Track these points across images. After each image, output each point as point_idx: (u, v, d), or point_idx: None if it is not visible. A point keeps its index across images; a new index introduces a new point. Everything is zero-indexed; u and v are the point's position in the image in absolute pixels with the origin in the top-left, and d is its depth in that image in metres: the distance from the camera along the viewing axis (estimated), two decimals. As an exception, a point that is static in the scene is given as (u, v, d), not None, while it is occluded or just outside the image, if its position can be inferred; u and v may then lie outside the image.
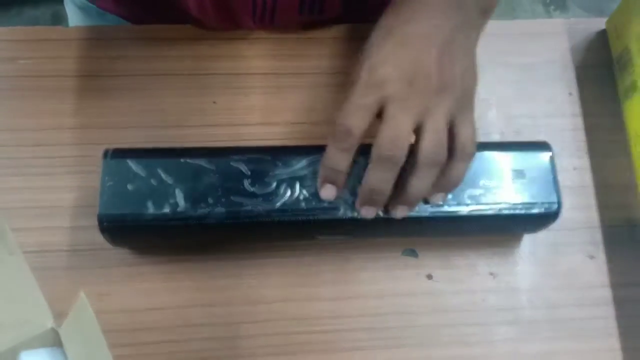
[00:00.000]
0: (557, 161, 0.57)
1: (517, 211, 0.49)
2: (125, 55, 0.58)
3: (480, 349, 0.52)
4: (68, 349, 0.42)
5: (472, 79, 0.47)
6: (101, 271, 0.52)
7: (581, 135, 0.59)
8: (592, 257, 0.56)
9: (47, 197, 0.54)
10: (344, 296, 0.53)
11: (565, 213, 0.54)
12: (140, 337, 0.51)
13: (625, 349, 0.53)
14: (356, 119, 0.43)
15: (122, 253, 0.53)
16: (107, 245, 0.52)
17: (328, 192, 0.47)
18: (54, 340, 0.44)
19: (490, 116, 0.59)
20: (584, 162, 0.58)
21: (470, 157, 0.46)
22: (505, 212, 0.49)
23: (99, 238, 0.51)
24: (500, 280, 0.54)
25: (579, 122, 0.60)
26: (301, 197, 0.48)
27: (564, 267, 0.55)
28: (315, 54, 0.59)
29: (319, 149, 0.48)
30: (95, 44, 0.59)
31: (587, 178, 0.58)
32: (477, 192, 0.49)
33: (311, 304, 0.53)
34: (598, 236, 0.56)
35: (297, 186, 0.48)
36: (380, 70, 0.43)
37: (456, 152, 0.45)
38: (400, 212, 0.47)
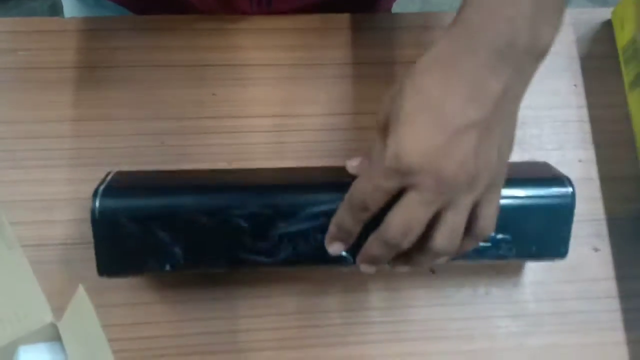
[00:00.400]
0: (561, 153, 0.56)
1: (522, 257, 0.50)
2: (124, 47, 0.57)
3: (483, 343, 0.52)
4: (67, 344, 0.42)
5: (509, 149, 0.41)
6: (100, 265, 0.52)
7: (586, 127, 0.58)
8: (597, 250, 0.55)
9: (45, 190, 0.53)
10: (343, 289, 0.53)
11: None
12: (140, 332, 0.51)
13: (631, 342, 0.53)
14: (375, 199, 0.39)
15: (121, 246, 0.52)
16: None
17: (336, 249, 0.44)
18: (53, 335, 0.44)
19: (494, 108, 0.58)
20: (589, 154, 0.58)
21: (484, 238, 0.42)
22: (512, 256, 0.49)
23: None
24: (504, 274, 0.54)
25: (584, 113, 0.59)
26: (304, 251, 0.47)
27: (569, 260, 0.53)
28: (317, 44, 0.59)
29: (325, 193, 0.46)
30: (94, 35, 0.58)
31: (592, 170, 0.57)
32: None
33: (309, 297, 0.52)
34: (603, 229, 0.56)
35: (300, 241, 0.47)
36: (407, 158, 0.37)
37: (472, 232, 0.41)
38: (401, 269, 0.45)
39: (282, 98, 0.57)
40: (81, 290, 0.40)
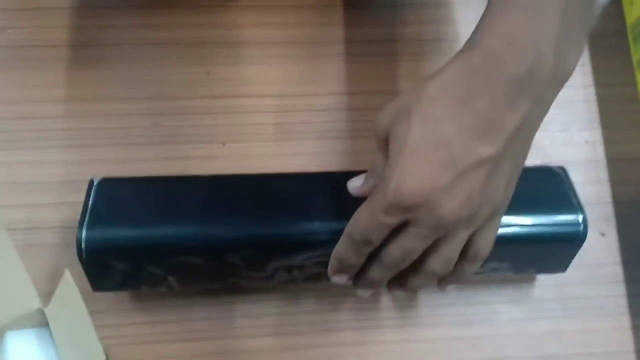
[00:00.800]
0: (567, 134, 0.55)
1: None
2: (117, 24, 0.56)
3: (483, 329, 0.51)
4: (54, 330, 0.41)
5: (517, 176, 0.39)
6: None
7: (593, 107, 0.57)
8: (603, 234, 0.53)
9: (35, 172, 0.52)
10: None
11: (576, 188, 0.52)
12: (131, 317, 0.49)
13: (636, 327, 0.51)
14: (377, 234, 0.38)
15: (113, 230, 0.51)
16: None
17: (340, 280, 0.43)
18: (42, 321, 0.43)
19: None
20: (596, 135, 0.56)
21: (480, 262, 0.41)
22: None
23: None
24: (507, 258, 0.52)
25: (591, 93, 0.57)
26: (300, 278, 0.47)
27: (574, 244, 0.53)
28: (313, 21, 0.57)
29: (322, 225, 0.44)
30: (86, 13, 0.57)
31: (599, 152, 0.55)
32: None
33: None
34: (610, 212, 0.54)
35: (295, 272, 0.46)
36: (409, 196, 0.35)
37: (467, 257, 0.40)
38: (396, 293, 0.45)
39: (278, 77, 0.55)
40: (67, 275, 0.39)
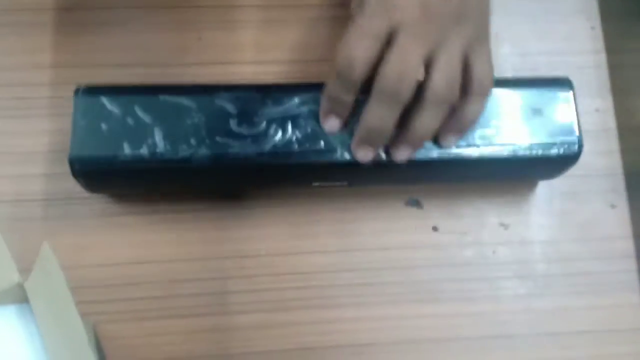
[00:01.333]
0: (578, 102, 0.52)
1: (533, 152, 0.45)
2: (103, -13, 0.54)
3: (487, 304, 0.49)
4: (34, 306, 0.39)
5: (488, 5, 0.41)
6: (79, 222, 0.49)
7: (604, 74, 0.54)
8: (613, 206, 0.51)
9: (20, 142, 0.50)
10: (340, 249, 0.49)
11: (584, 158, 0.49)
12: (121, 293, 0.47)
13: (647, 304, 0.49)
14: (362, 49, 0.37)
15: (101, 203, 0.49)
16: (85, 193, 0.48)
17: (332, 124, 0.42)
18: (22, 296, 0.41)
19: (503, 53, 0.54)
20: (607, 102, 0.53)
21: (487, 94, 0.41)
22: (520, 153, 0.44)
23: (76, 186, 0.47)
24: (512, 232, 0.50)
25: (602, 59, 0.55)
26: (294, 139, 0.43)
27: (583, 217, 0.51)
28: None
29: (315, 87, 0.43)
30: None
31: (610, 120, 0.53)
32: (488, 132, 0.44)
33: (305, 257, 0.49)
34: (620, 183, 0.52)
35: (290, 126, 0.44)
36: None
37: (472, 89, 0.40)
38: (402, 154, 0.42)
39: (275, 43, 0.53)
40: (46, 247, 0.37)
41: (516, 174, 0.49)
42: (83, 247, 0.48)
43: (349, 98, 0.40)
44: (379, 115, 0.39)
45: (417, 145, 0.42)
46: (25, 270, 0.40)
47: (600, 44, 0.55)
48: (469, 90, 0.40)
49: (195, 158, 0.43)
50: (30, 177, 0.49)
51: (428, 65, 0.38)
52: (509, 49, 0.54)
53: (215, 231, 0.49)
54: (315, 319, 0.48)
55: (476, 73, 0.40)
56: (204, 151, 0.43)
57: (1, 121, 0.50)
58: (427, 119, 0.40)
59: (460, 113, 0.41)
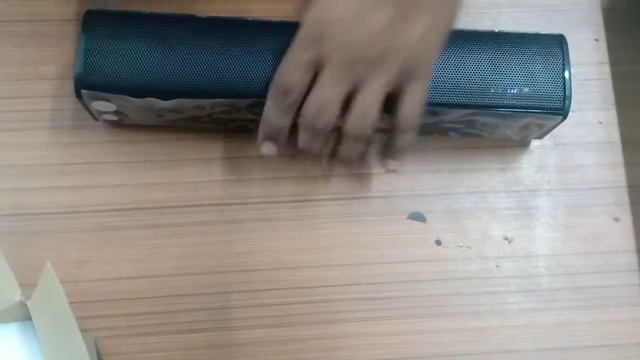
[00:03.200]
0: (580, 115, 0.52)
1: (519, 102, 0.45)
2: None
3: (492, 319, 0.48)
4: (37, 324, 0.38)
5: (437, 39, 0.40)
6: (80, 236, 0.48)
7: (608, 86, 0.54)
8: (617, 220, 0.51)
9: (19, 155, 0.49)
10: (344, 263, 0.49)
11: (589, 171, 0.50)
12: (122, 308, 0.47)
13: (652, 319, 0.49)
14: (294, 77, 0.39)
15: (101, 216, 0.49)
16: (86, 207, 0.48)
17: (269, 150, 0.43)
18: (24, 314, 0.40)
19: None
20: (611, 115, 0.53)
21: (411, 130, 0.41)
22: (506, 102, 0.45)
23: (76, 200, 0.47)
24: (516, 246, 0.50)
25: (606, 70, 0.54)
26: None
27: (586, 230, 0.50)
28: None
29: None
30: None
31: (614, 133, 0.53)
32: (477, 85, 0.45)
33: (309, 271, 0.49)
34: (624, 196, 0.51)
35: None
36: (320, 23, 0.38)
37: (397, 125, 0.41)
38: (339, 171, 0.46)
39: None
40: (48, 267, 0.36)
41: (504, 127, 0.49)
42: (83, 261, 0.48)
43: (284, 123, 0.41)
44: (306, 140, 0.41)
45: (349, 166, 0.45)
46: (24, 285, 0.40)
47: (604, 55, 0.54)
48: (394, 124, 0.41)
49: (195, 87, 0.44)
50: (28, 190, 0.49)
51: (350, 99, 0.39)
52: (513, 60, 0.54)
53: (217, 245, 0.49)
54: (319, 334, 0.48)
55: (401, 110, 0.40)
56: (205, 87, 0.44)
57: (2, 134, 0.50)
58: (347, 149, 0.42)
59: (390, 142, 0.42)
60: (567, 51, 0.46)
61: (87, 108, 0.46)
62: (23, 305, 0.39)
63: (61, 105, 0.51)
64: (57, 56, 0.52)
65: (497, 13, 0.55)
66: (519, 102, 0.45)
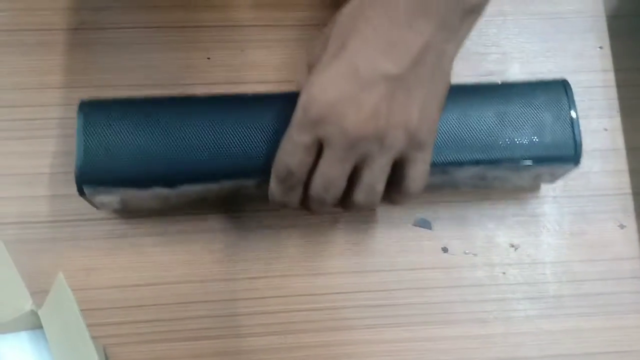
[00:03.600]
0: (585, 122, 0.52)
1: (531, 153, 0.45)
2: (109, 6, 0.53)
3: (499, 326, 0.48)
4: (48, 333, 0.39)
5: (434, 106, 0.39)
6: (87, 243, 0.48)
7: (612, 93, 0.54)
8: (622, 227, 0.51)
9: (26, 163, 0.50)
10: (350, 270, 0.49)
11: (594, 178, 0.50)
12: (131, 316, 0.47)
13: (658, 326, 0.49)
14: (295, 160, 0.39)
15: (109, 224, 0.49)
16: (94, 215, 0.48)
17: None
18: (35, 323, 0.40)
19: (513, 72, 0.54)
20: (615, 122, 0.53)
21: (414, 197, 0.41)
22: (518, 154, 0.45)
23: (84, 208, 0.47)
24: (522, 253, 0.50)
25: (610, 78, 0.54)
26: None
27: (592, 237, 0.51)
28: (320, 3, 0.54)
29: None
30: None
31: (619, 140, 0.53)
32: (488, 138, 0.44)
33: (315, 278, 0.49)
34: (629, 203, 0.52)
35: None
36: (315, 106, 0.37)
37: (400, 191, 0.41)
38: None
39: (283, 62, 0.53)
40: (60, 277, 0.36)
41: (516, 178, 0.48)
42: (91, 268, 0.48)
43: (293, 199, 0.41)
44: (312, 206, 0.42)
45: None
46: (33, 293, 0.40)
47: (608, 63, 0.55)
48: (399, 190, 0.41)
49: (201, 172, 0.43)
50: (37, 198, 0.49)
51: (353, 175, 0.39)
52: (518, 68, 0.54)
53: (224, 252, 0.49)
54: (325, 341, 0.48)
55: (405, 180, 0.40)
56: (211, 165, 0.43)
57: (8, 142, 0.50)
58: (354, 210, 0.42)
59: (394, 202, 0.43)
60: (572, 96, 0.45)
61: (90, 201, 0.45)
62: (34, 314, 0.39)
63: (67, 114, 0.51)
64: (62, 65, 0.52)
65: (502, 21, 0.55)
66: (529, 154, 0.44)
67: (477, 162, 0.44)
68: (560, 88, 0.45)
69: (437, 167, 0.43)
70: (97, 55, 0.52)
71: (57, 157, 0.50)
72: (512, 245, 0.50)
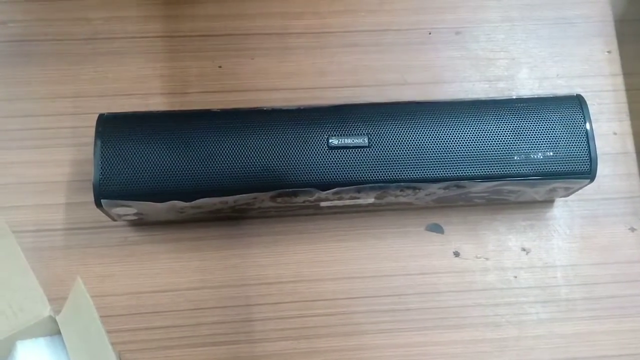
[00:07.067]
0: (595, 126, 0.52)
1: (545, 170, 0.45)
2: (121, 17, 0.54)
3: (511, 330, 0.48)
4: (67, 339, 0.39)
5: None
6: (103, 251, 0.49)
7: (621, 97, 0.54)
8: (633, 230, 0.51)
9: (41, 172, 0.50)
10: (362, 275, 0.49)
11: (604, 182, 0.50)
12: (146, 322, 0.47)
13: (670, 328, 0.49)
14: None
15: (124, 231, 0.49)
16: (109, 222, 0.48)
17: None
18: (53, 329, 0.41)
19: (522, 77, 0.54)
20: (625, 126, 0.53)
21: None
22: (533, 171, 0.45)
23: (99, 215, 0.47)
24: (533, 256, 0.50)
25: (619, 82, 0.55)
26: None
27: (603, 240, 0.51)
28: (326, 11, 0.54)
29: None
30: (88, 5, 0.54)
31: (629, 143, 0.53)
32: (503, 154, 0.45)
33: (329, 283, 0.49)
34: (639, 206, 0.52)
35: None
36: None
37: None
38: None
39: (293, 70, 0.53)
40: (79, 282, 0.37)
41: (531, 192, 0.49)
42: (106, 275, 0.48)
43: None
44: None
45: None
46: (50, 299, 0.40)
47: (617, 67, 0.55)
48: None
49: (218, 186, 0.44)
50: (53, 206, 0.50)
51: None
52: (527, 73, 0.54)
53: (238, 258, 0.49)
54: (338, 346, 0.48)
55: None
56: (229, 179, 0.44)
57: (23, 151, 0.51)
58: None
59: None
60: (587, 111, 0.45)
61: (106, 213, 0.46)
62: (52, 320, 0.39)
63: (81, 123, 0.51)
64: (76, 74, 0.52)
65: (510, 26, 0.55)
66: (544, 169, 0.44)
67: (492, 177, 0.44)
68: (575, 103, 0.46)
69: (452, 181, 0.44)
70: (109, 64, 0.53)
71: (72, 166, 0.50)
72: (524, 249, 0.50)
